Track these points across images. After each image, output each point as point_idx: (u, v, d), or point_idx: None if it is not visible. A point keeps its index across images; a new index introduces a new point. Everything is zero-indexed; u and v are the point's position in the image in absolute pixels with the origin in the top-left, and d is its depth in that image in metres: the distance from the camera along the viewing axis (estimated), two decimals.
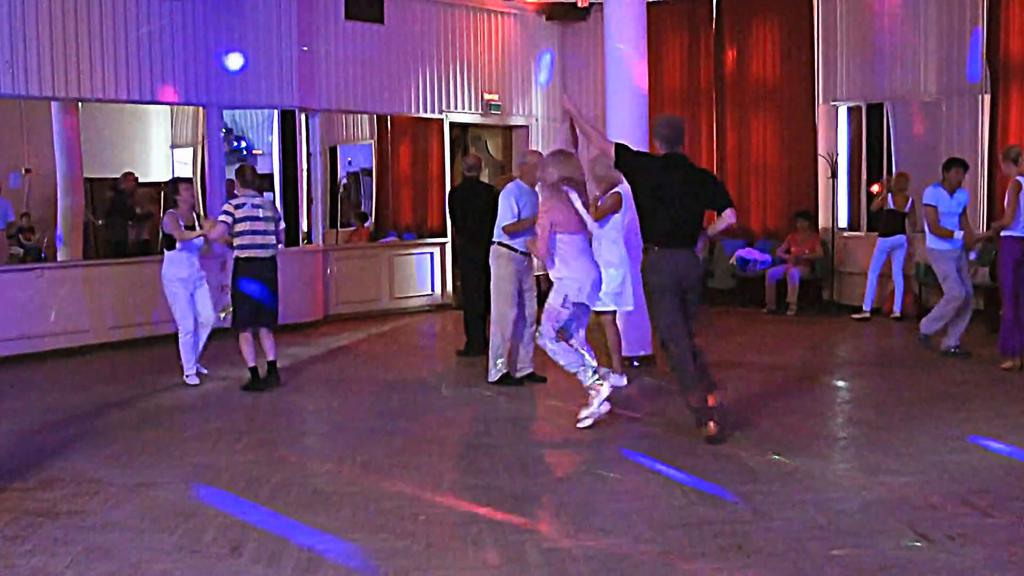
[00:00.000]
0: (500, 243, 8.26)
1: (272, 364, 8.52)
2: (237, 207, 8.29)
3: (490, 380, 8.30)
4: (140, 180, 12.18)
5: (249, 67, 11.38)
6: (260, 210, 8.33)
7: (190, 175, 12.52)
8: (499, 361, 8.28)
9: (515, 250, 8.17)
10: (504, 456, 6.31)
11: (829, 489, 5.48)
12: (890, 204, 11.69)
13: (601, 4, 10.07)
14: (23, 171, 11.72)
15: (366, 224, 14.33)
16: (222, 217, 8.31)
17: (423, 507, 5.27)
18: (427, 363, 9.76)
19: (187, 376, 8.63)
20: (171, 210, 8.60)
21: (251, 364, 8.37)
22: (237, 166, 8.80)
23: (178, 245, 8.49)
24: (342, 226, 14.02)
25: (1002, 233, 8.76)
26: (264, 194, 8.82)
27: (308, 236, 12.10)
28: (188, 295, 8.59)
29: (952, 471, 5.74)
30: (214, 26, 11.22)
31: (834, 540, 4.68)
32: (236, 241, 8.30)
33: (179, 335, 8.64)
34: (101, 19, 10.42)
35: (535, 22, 14.46)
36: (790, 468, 5.86)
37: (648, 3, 9.35)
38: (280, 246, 8.65)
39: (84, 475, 5.96)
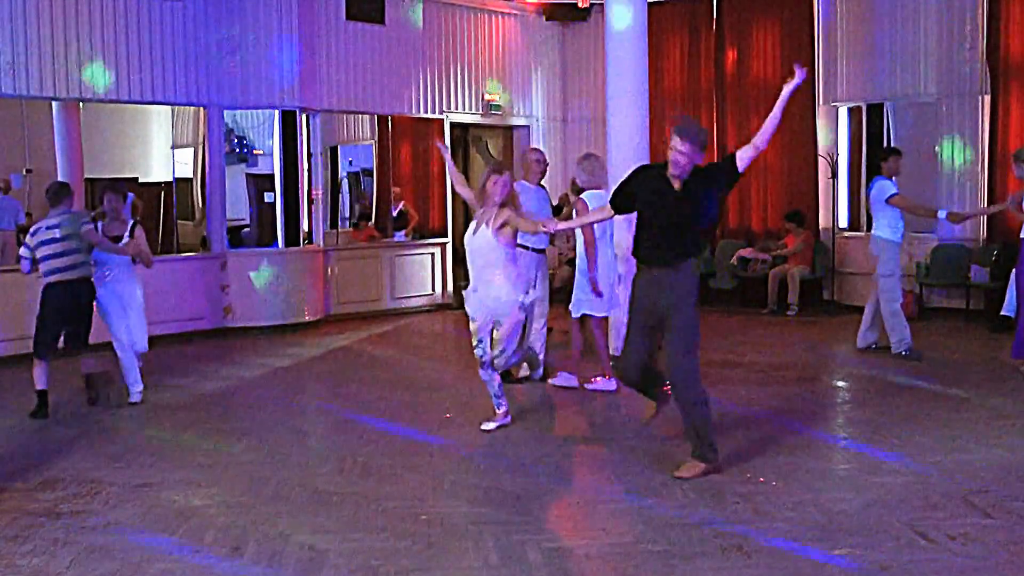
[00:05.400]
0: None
1: (89, 378, 7.91)
2: (32, 235, 7.60)
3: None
4: (141, 180, 12.19)
5: (250, 67, 11.38)
6: (57, 230, 7.52)
7: (190, 175, 12.54)
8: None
9: (526, 247, 8.18)
10: (504, 456, 6.32)
11: (829, 489, 5.49)
12: None
13: (601, 4, 10.08)
14: (24, 172, 11.72)
15: (369, 224, 14.31)
16: (21, 251, 7.67)
17: (424, 507, 5.28)
18: (428, 363, 9.76)
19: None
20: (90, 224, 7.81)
21: (40, 387, 7.59)
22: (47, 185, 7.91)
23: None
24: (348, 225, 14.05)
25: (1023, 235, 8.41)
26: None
27: (309, 236, 12.10)
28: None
29: (952, 471, 5.74)
30: (215, 26, 11.22)
31: (834, 540, 4.68)
32: (41, 268, 7.57)
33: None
34: (101, 19, 10.43)
35: (535, 22, 14.47)
36: (790, 468, 5.87)
37: (648, 3, 9.35)
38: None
39: (84, 475, 5.97)
